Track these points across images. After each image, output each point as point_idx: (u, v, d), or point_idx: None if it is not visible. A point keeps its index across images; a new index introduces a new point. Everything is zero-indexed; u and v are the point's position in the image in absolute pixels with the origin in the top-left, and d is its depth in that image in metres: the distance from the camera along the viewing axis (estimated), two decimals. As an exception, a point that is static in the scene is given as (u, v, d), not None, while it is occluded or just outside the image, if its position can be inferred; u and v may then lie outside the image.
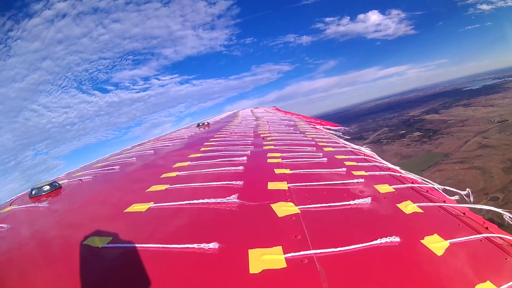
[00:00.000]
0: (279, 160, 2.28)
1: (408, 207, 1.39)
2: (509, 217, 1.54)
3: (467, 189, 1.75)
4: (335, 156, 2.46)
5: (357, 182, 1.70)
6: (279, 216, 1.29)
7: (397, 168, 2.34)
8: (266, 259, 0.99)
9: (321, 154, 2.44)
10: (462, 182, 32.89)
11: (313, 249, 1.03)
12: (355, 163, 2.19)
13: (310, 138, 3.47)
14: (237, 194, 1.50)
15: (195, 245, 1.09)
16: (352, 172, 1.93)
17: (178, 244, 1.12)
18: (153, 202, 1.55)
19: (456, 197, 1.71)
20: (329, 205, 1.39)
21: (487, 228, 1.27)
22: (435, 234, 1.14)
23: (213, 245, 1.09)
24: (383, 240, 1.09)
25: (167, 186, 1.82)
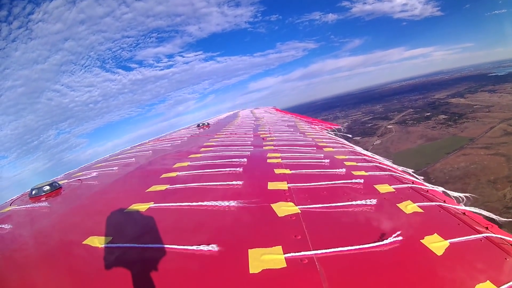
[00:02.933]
0: (279, 160, 2.28)
1: (408, 207, 1.39)
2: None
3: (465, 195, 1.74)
4: (335, 156, 2.46)
5: (357, 182, 1.70)
6: (279, 216, 1.29)
7: (399, 168, 2.35)
8: (266, 259, 0.99)
9: (321, 154, 2.44)
10: (487, 168, 32.57)
11: (313, 249, 1.03)
12: (355, 163, 2.20)
13: (310, 139, 3.47)
14: (237, 194, 1.50)
15: (195, 245, 1.09)
16: (352, 172, 1.93)
17: (178, 243, 1.12)
18: (153, 202, 1.55)
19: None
20: (329, 205, 1.39)
21: (487, 228, 1.27)
22: (435, 234, 1.14)
23: (213, 245, 1.09)
24: (383, 240, 1.09)
25: (167, 186, 1.82)
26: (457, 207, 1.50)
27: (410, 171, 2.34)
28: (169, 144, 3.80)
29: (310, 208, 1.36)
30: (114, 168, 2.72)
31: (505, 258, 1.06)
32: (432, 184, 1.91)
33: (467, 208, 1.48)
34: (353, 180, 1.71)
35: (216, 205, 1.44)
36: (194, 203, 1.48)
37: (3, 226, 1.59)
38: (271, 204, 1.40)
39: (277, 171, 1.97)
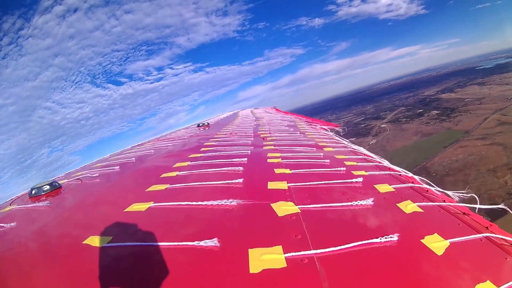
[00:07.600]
0: (279, 160, 2.28)
1: (408, 206, 1.39)
2: None
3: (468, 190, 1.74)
4: (335, 156, 2.46)
5: (357, 181, 1.70)
6: (279, 215, 1.29)
7: (397, 168, 2.34)
8: (266, 258, 0.99)
9: (321, 154, 2.44)
10: (485, 158, 32.90)
11: (313, 249, 1.03)
12: (355, 163, 2.19)
13: (310, 138, 3.47)
14: (237, 194, 1.50)
15: (195, 245, 1.09)
16: (352, 172, 1.93)
17: (178, 243, 1.12)
18: (153, 202, 1.55)
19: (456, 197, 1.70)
20: (329, 205, 1.39)
21: (487, 227, 1.27)
22: (435, 234, 1.14)
23: (213, 245, 1.08)
24: (383, 239, 1.09)
25: (167, 186, 1.82)
26: (457, 204, 1.50)
27: (410, 174, 2.34)
28: (169, 144, 3.80)
29: (310, 207, 1.36)
30: (114, 168, 2.72)
31: (505, 258, 1.06)
32: (433, 177, 1.92)
33: (469, 206, 1.48)
34: (353, 180, 1.71)
35: (216, 205, 1.44)
36: (194, 203, 1.48)
37: (2, 225, 1.59)
38: (271, 204, 1.40)
39: (277, 170, 1.97)
